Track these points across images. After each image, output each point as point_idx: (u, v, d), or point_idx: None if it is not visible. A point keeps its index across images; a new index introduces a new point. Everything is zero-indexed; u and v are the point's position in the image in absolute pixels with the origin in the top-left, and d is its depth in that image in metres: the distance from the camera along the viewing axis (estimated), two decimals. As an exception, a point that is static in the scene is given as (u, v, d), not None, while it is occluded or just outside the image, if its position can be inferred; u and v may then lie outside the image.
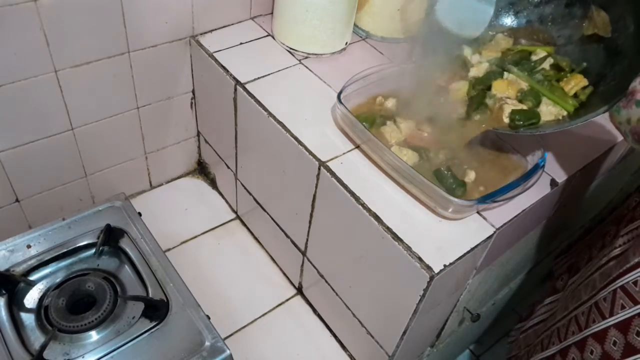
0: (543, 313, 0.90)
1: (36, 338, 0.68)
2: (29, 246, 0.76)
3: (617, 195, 1.12)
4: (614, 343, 0.62)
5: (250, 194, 0.94)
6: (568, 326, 0.73)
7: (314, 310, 0.90)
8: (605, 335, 0.64)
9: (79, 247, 0.77)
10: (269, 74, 0.82)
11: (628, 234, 0.70)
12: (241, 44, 0.88)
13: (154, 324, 0.70)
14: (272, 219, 0.89)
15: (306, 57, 0.87)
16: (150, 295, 0.73)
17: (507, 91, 0.72)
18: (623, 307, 0.62)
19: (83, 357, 0.66)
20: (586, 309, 0.69)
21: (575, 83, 0.70)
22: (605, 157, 0.81)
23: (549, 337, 0.79)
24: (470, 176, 0.68)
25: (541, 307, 0.91)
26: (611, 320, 0.63)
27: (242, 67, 0.82)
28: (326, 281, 0.81)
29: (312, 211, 0.76)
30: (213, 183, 1.08)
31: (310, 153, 0.71)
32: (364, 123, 0.70)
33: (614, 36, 0.69)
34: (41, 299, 0.72)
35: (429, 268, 0.59)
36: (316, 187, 0.72)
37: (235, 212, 1.04)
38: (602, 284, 0.68)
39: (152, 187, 1.06)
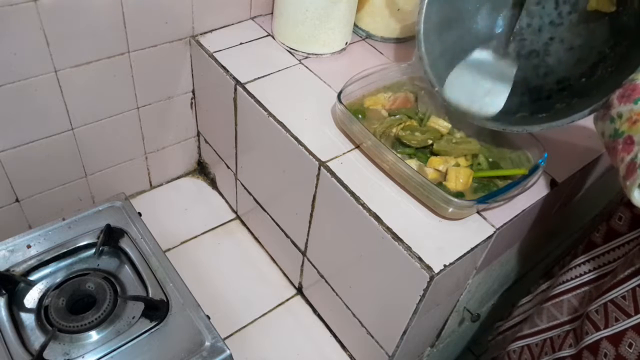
0: (517, 315, 0.90)
1: (36, 338, 0.68)
2: (29, 246, 0.76)
3: (617, 195, 1.12)
4: (605, 355, 0.62)
5: (250, 194, 0.94)
6: (565, 338, 0.73)
7: (314, 310, 0.90)
8: (597, 348, 0.64)
9: (79, 247, 0.78)
10: (269, 74, 0.82)
11: (615, 251, 0.69)
12: (241, 44, 0.88)
13: (154, 324, 0.70)
14: (272, 219, 0.89)
15: (306, 57, 0.87)
16: (150, 295, 0.73)
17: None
18: (617, 320, 0.62)
19: (83, 357, 0.66)
20: (580, 322, 0.69)
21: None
22: (605, 157, 0.81)
23: (540, 346, 0.79)
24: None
25: (515, 309, 0.91)
26: (605, 332, 0.63)
27: (242, 67, 0.82)
28: (326, 281, 0.81)
29: (312, 211, 0.76)
30: (213, 183, 1.08)
31: (310, 153, 0.71)
32: (363, 123, 0.70)
33: (619, 11, 0.67)
34: (41, 299, 0.72)
35: (429, 268, 0.59)
36: (316, 187, 0.72)
37: (235, 212, 1.04)
38: (595, 296, 0.68)
39: (152, 187, 1.06)
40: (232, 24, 0.91)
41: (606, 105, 0.57)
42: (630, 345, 0.59)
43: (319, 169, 0.70)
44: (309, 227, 0.79)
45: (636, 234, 0.67)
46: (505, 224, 0.66)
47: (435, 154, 0.70)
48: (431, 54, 0.73)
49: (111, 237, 0.79)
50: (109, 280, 0.74)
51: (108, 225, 0.78)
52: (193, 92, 0.95)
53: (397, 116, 0.75)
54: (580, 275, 0.73)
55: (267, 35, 0.90)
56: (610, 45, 0.67)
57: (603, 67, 0.67)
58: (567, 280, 0.75)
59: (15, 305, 0.71)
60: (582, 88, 0.68)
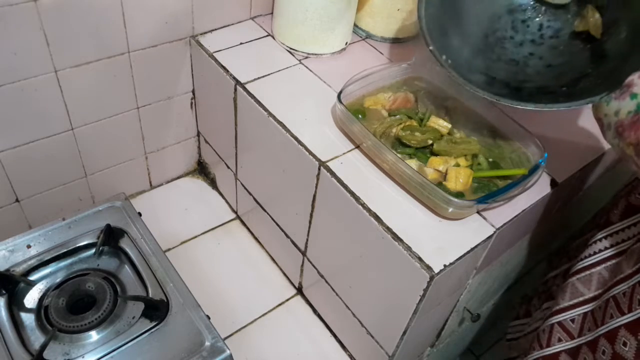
0: (540, 319, 0.90)
1: (36, 338, 0.68)
2: (29, 246, 0.76)
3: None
4: (603, 352, 0.62)
5: (250, 194, 0.94)
6: (546, 332, 0.73)
7: (314, 310, 0.90)
8: (596, 345, 0.64)
9: (79, 247, 0.78)
10: (269, 74, 0.82)
11: (612, 237, 0.69)
12: (241, 44, 0.88)
13: (154, 324, 0.70)
14: (272, 219, 0.89)
15: (306, 57, 0.87)
16: (150, 295, 0.73)
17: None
18: (611, 317, 0.62)
19: (83, 357, 0.66)
20: (581, 316, 0.69)
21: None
22: (605, 157, 0.81)
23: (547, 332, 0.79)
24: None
25: (539, 312, 0.91)
26: (601, 330, 0.63)
27: (242, 67, 0.82)
28: (326, 281, 0.81)
29: (312, 211, 0.76)
30: (213, 183, 1.08)
31: (310, 153, 0.71)
32: (363, 123, 0.70)
33: (602, 40, 0.68)
34: (41, 299, 0.72)
35: (429, 268, 0.59)
36: (316, 187, 0.72)
37: (235, 212, 1.04)
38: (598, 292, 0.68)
39: (152, 187, 1.06)
40: (232, 24, 0.91)
41: (625, 85, 0.57)
42: (624, 344, 0.59)
43: (319, 169, 0.70)
44: (309, 227, 0.79)
45: (633, 220, 0.67)
46: (505, 224, 0.66)
47: (435, 154, 0.70)
48: (430, 16, 0.72)
49: (111, 237, 0.79)
50: (109, 280, 0.74)
51: (108, 225, 0.78)
52: (193, 92, 0.95)
53: (397, 116, 0.75)
54: (599, 251, 0.72)
55: (267, 35, 0.90)
56: (592, 67, 0.68)
57: (586, 80, 0.67)
58: (589, 255, 0.74)
59: (15, 305, 0.71)
60: (565, 94, 0.68)
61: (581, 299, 0.72)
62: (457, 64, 0.71)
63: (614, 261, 0.69)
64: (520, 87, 0.72)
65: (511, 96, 0.69)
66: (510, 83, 0.73)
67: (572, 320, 0.73)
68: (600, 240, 0.72)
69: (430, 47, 0.71)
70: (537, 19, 0.75)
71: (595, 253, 0.72)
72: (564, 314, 0.74)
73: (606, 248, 0.71)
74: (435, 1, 0.73)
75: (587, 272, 0.72)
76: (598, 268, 0.71)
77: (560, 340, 0.73)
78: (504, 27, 0.77)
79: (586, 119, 0.83)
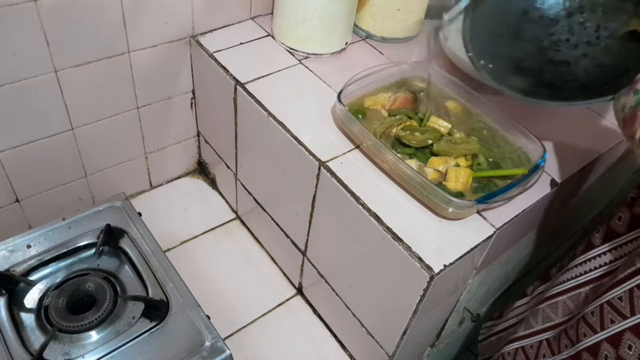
0: (512, 317, 0.90)
1: (36, 338, 0.68)
2: (29, 246, 0.77)
3: (617, 195, 1.12)
4: (605, 357, 0.62)
5: (250, 194, 0.94)
6: (559, 339, 0.73)
7: (314, 310, 0.90)
8: (597, 350, 0.63)
9: (79, 247, 0.78)
10: (269, 74, 0.82)
11: (612, 252, 0.69)
12: (241, 44, 0.88)
13: (154, 324, 0.70)
14: (272, 219, 0.89)
15: (306, 57, 0.87)
16: (150, 295, 0.73)
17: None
18: (612, 322, 0.62)
19: (83, 357, 0.66)
20: (575, 323, 0.69)
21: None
22: (605, 157, 0.81)
23: (535, 348, 0.79)
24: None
25: (510, 311, 0.91)
26: (602, 334, 0.63)
27: (242, 67, 0.82)
28: (326, 281, 0.81)
29: (312, 211, 0.76)
30: (213, 183, 1.08)
31: (310, 153, 0.71)
32: (363, 123, 0.70)
33: None
34: (41, 299, 0.72)
35: (429, 268, 0.59)
36: (316, 187, 0.73)
37: (235, 212, 1.04)
38: (592, 297, 0.68)
39: (152, 187, 1.06)
40: (232, 24, 0.91)
41: (635, 81, 0.58)
42: (629, 347, 0.59)
43: (319, 169, 0.70)
44: (309, 227, 0.79)
45: (636, 234, 0.67)
46: (505, 224, 0.66)
47: (435, 154, 0.71)
48: (475, 23, 0.75)
49: (111, 237, 0.79)
50: (109, 280, 0.74)
51: (108, 225, 0.78)
52: (193, 92, 0.95)
53: (397, 116, 0.75)
54: (577, 276, 0.73)
55: (267, 35, 0.90)
56: (637, 65, 0.70)
57: (627, 78, 0.68)
58: (564, 281, 0.74)
59: (15, 305, 0.71)
60: (602, 91, 0.69)
61: (571, 316, 0.73)
62: (499, 66, 0.74)
63: (597, 283, 0.69)
64: (562, 87, 0.74)
65: (549, 96, 0.72)
66: (554, 83, 0.75)
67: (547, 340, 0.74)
68: (581, 264, 0.72)
69: (469, 54, 0.73)
70: (595, 21, 0.77)
71: (577, 276, 0.72)
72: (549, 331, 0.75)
73: (587, 272, 0.71)
74: (484, 8, 0.75)
75: (576, 292, 0.72)
76: (582, 290, 0.72)
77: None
78: (561, 31, 0.79)
79: (586, 120, 0.83)
